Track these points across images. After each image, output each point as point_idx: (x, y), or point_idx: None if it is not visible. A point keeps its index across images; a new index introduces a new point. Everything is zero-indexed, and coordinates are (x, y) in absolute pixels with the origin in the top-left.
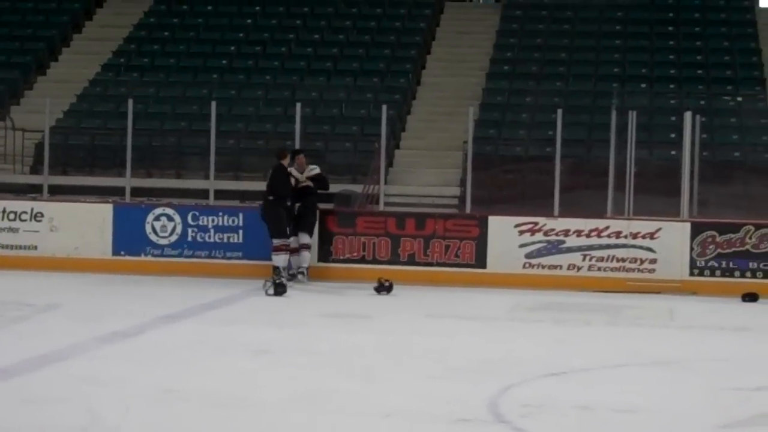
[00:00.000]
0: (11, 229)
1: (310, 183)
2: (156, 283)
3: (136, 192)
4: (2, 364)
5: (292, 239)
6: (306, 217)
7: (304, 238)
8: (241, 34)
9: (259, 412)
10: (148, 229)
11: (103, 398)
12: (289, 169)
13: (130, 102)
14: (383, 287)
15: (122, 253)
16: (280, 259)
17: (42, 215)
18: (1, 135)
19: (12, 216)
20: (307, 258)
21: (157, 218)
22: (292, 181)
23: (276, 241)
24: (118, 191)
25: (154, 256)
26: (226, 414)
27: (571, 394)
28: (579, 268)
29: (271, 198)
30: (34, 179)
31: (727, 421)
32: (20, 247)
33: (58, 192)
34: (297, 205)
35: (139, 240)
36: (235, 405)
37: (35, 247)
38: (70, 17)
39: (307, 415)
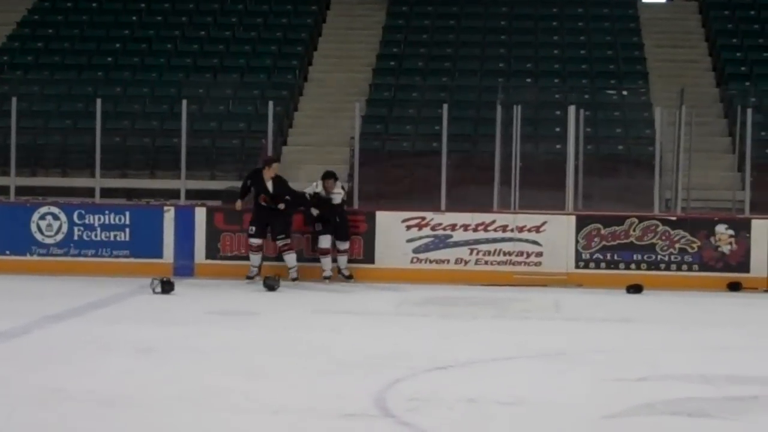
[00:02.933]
0: None
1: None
2: (42, 282)
3: (21, 191)
4: None
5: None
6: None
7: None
8: (126, 31)
9: (145, 411)
10: (34, 228)
11: None
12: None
13: (14, 100)
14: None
15: (7, 252)
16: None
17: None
18: None
19: None
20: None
21: (42, 217)
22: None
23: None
24: (3, 190)
25: (39, 255)
26: (112, 413)
27: (457, 388)
28: (466, 262)
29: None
30: None
31: (610, 412)
32: None
33: None
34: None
35: (24, 239)
36: (122, 404)
37: None
38: None
39: (194, 414)
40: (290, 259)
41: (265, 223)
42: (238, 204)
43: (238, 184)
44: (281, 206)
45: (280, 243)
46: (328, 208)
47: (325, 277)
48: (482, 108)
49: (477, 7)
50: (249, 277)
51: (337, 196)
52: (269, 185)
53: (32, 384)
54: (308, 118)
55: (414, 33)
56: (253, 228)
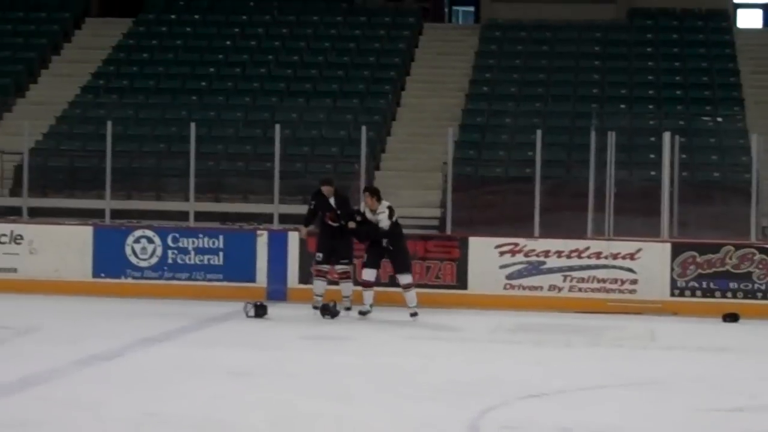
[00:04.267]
0: None
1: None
2: (136, 305)
3: (116, 214)
4: None
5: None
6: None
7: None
8: (220, 56)
9: None
10: (128, 251)
11: (82, 422)
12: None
13: (110, 124)
14: (328, 310)
15: (102, 275)
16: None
17: (22, 237)
18: None
19: None
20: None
21: (137, 240)
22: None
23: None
24: (98, 213)
25: (134, 278)
26: None
27: (551, 416)
28: (560, 289)
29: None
30: (14, 201)
31: None
32: (0, 270)
33: (37, 214)
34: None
35: (119, 262)
36: (215, 428)
37: (15, 270)
38: (49, 39)
39: None
40: (346, 287)
41: (331, 248)
42: (303, 232)
43: None
44: (351, 224)
45: (340, 269)
46: (372, 231)
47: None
48: (576, 134)
49: (571, 33)
50: (316, 308)
51: (383, 217)
52: (332, 202)
53: (126, 407)
54: (401, 143)
55: (507, 58)
56: (321, 255)
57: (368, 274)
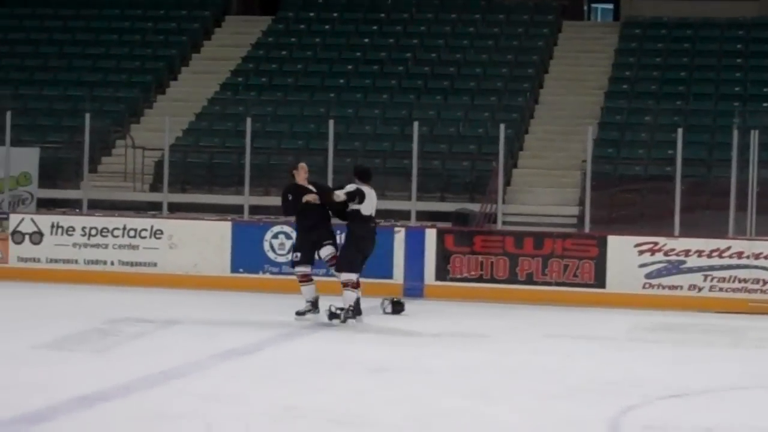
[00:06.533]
0: (131, 247)
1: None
2: (274, 300)
3: (255, 210)
4: (122, 380)
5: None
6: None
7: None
8: (358, 53)
9: (376, 430)
10: (266, 246)
11: (221, 415)
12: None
13: (249, 120)
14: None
15: (241, 270)
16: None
17: (161, 233)
18: (122, 153)
19: (132, 233)
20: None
21: (275, 236)
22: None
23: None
24: (237, 209)
25: (272, 273)
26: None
27: (693, 417)
28: (700, 289)
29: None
30: (154, 197)
31: None
32: (140, 264)
33: (177, 210)
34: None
35: (257, 257)
36: (354, 423)
37: (155, 264)
38: (189, 37)
39: None
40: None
41: (310, 244)
42: (312, 197)
43: (470, 206)
44: (340, 196)
45: (327, 254)
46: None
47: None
48: (717, 132)
49: (712, 30)
50: (299, 313)
51: (344, 191)
52: (309, 187)
53: (265, 401)
54: (539, 141)
55: (647, 56)
56: (298, 254)
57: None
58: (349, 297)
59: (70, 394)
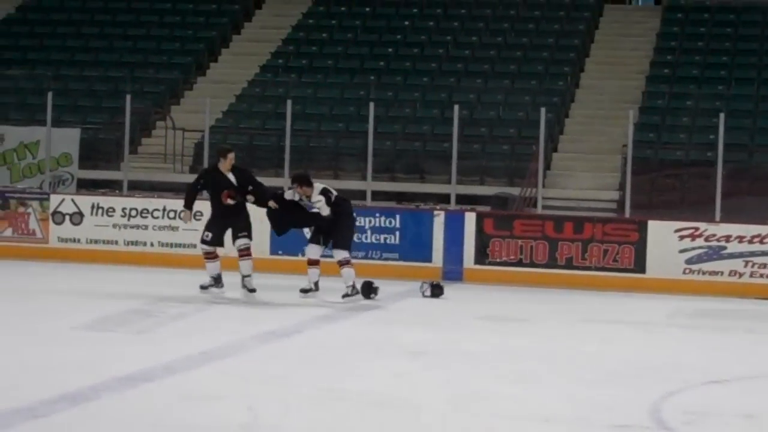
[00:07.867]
0: (171, 228)
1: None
2: None
3: None
4: (164, 360)
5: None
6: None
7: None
8: (398, 36)
9: (417, 413)
10: (306, 229)
11: (262, 396)
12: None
13: (289, 102)
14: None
15: (280, 252)
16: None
17: (201, 214)
18: (162, 134)
19: (172, 214)
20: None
21: None
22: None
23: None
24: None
25: None
26: (384, 414)
27: (734, 403)
28: (741, 275)
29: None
30: (194, 178)
31: None
32: (180, 245)
33: None
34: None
35: (296, 240)
36: (395, 406)
37: (194, 246)
38: (229, 19)
39: (464, 418)
40: (246, 266)
41: (223, 226)
42: (187, 216)
43: (509, 190)
44: (250, 199)
45: (241, 244)
46: (311, 219)
47: (303, 290)
48: (759, 117)
49: (755, 15)
50: (203, 287)
51: (321, 205)
52: (231, 178)
53: (306, 383)
54: (579, 125)
55: (689, 40)
56: (209, 234)
57: (312, 251)
58: (350, 274)
59: (112, 375)
